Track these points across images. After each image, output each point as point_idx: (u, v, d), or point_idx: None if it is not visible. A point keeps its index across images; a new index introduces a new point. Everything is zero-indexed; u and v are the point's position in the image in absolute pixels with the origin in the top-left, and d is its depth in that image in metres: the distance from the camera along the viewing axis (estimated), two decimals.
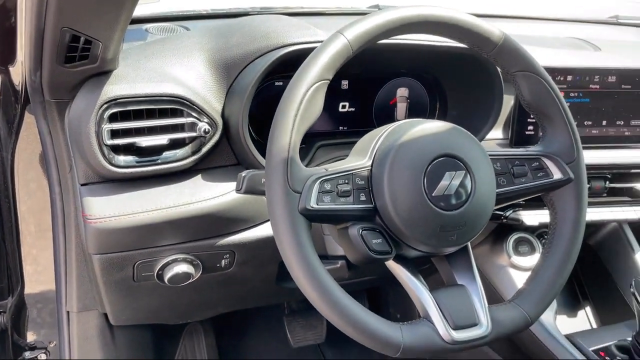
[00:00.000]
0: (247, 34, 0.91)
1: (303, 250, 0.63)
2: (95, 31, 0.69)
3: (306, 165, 0.96)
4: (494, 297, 1.08)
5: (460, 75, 1.03)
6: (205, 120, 0.85)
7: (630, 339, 0.99)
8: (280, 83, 0.98)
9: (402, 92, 1.08)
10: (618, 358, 1.00)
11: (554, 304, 1.08)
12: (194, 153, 0.86)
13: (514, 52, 0.76)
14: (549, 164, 0.79)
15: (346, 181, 0.68)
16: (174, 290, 0.95)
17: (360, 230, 0.68)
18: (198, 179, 0.89)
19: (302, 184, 0.65)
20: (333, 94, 1.03)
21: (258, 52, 0.87)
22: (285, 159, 0.64)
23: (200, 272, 0.92)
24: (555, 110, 0.78)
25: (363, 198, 0.69)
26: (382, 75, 1.06)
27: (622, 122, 1.12)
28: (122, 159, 0.82)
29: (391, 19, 0.70)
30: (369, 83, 1.06)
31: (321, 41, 0.71)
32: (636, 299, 0.93)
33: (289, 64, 0.84)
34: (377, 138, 0.73)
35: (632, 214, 1.15)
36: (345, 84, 1.04)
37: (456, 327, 0.68)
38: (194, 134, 0.84)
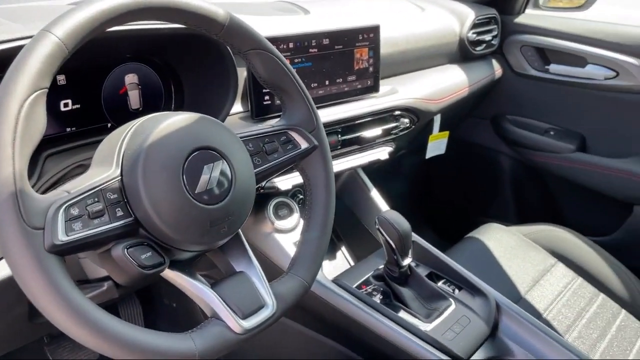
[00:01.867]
0: None
1: (61, 293, 0.54)
2: None
3: (36, 183, 0.82)
4: (271, 268, 1.12)
5: (191, 56, 0.99)
6: None
7: (382, 267, 1.15)
8: None
9: (130, 78, 0.99)
10: (375, 286, 1.16)
11: None
12: None
13: (242, 31, 0.76)
14: (295, 135, 0.82)
15: (96, 199, 0.60)
16: None
17: (125, 249, 0.61)
18: None
19: (42, 218, 0.55)
20: (50, 92, 0.88)
21: None
22: (13, 193, 0.53)
23: None
24: (290, 84, 0.81)
25: (120, 213, 0.62)
26: (105, 64, 0.95)
27: (341, 80, 1.23)
28: None
29: (106, 8, 0.61)
30: (91, 74, 0.94)
31: (22, 38, 0.59)
32: (381, 232, 1.07)
33: None
34: (120, 142, 0.65)
35: (362, 159, 1.30)
36: (62, 79, 0.90)
37: (245, 316, 0.68)
38: None
